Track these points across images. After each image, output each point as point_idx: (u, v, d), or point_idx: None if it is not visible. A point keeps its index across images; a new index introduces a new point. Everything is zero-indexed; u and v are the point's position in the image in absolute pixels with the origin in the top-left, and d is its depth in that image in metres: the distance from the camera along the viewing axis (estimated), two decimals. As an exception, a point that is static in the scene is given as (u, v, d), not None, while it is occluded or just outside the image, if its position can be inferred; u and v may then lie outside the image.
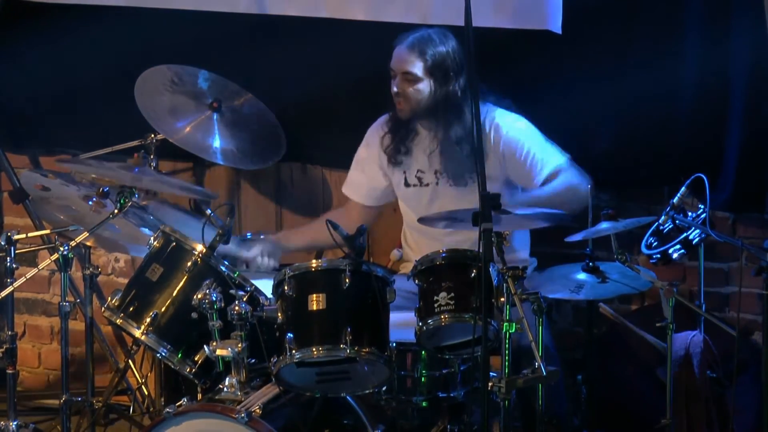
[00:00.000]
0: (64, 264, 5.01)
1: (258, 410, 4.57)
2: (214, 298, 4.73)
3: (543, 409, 4.65)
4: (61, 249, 4.98)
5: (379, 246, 5.98)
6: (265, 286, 4.89)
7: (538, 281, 4.99)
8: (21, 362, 5.82)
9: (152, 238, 4.98)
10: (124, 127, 5.83)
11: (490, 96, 5.34)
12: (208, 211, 5.01)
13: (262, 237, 5.54)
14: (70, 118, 6.31)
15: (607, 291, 5.00)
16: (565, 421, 5.19)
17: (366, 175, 5.57)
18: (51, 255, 5.05)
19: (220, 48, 5.97)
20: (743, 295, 5.23)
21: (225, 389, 4.71)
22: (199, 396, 4.92)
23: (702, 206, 4.86)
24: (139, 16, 6.00)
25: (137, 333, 4.87)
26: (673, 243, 4.85)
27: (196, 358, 4.85)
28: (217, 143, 5.65)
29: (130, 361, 5.80)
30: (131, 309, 4.91)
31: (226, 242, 4.95)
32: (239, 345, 4.69)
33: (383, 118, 5.50)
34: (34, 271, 4.99)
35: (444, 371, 4.86)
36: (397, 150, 5.44)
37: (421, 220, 5.07)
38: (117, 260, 6.50)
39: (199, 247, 4.87)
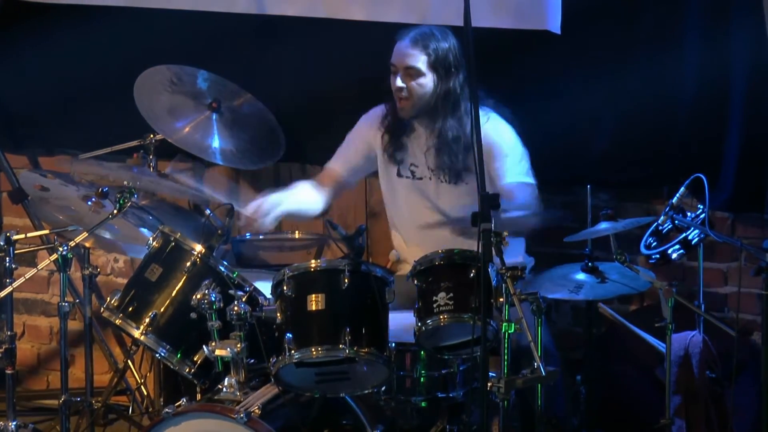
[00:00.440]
0: (63, 264, 5.01)
1: (257, 410, 4.57)
2: (213, 299, 4.73)
3: (542, 409, 4.65)
4: (60, 249, 4.98)
5: (378, 246, 5.98)
6: (265, 286, 4.89)
7: (537, 281, 4.99)
8: (20, 362, 5.81)
9: (151, 239, 4.98)
10: (124, 128, 5.82)
11: (489, 100, 5.33)
12: (208, 211, 5.01)
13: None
14: (70, 119, 6.31)
15: (606, 291, 5.01)
16: (565, 421, 5.19)
17: (356, 151, 5.53)
18: (50, 255, 5.05)
19: (220, 48, 5.97)
20: (742, 295, 5.24)
21: (224, 389, 4.71)
22: (198, 396, 4.92)
23: (701, 206, 4.87)
24: (139, 16, 6.00)
25: (136, 333, 4.87)
26: (672, 243, 4.85)
27: (195, 359, 4.85)
28: (216, 143, 5.65)
29: (129, 361, 5.80)
30: (130, 309, 4.91)
31: (226, 242, 4.95)
32: (238, 345, 4.69)
33: (379, 111, 5.48)
34: (33, 271, 4.99)
35: (443, 371, 4.86)
36: (393, 142, 5.42)
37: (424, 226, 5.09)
38: (116, 260, 6.50)
39: (198, 248, 4.87)
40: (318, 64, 5.90)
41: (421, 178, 5.41)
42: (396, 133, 5.42)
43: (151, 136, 5.71)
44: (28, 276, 4.98)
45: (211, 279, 4.82)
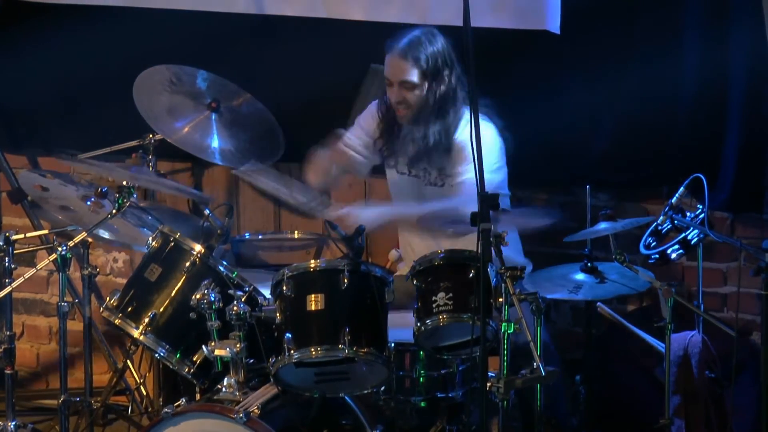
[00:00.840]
0: (62, 264, 5.01)
1: (256, 410, 4.57)
2: (212, 299, 4.73)
3: (542, 409, 4.65)
4: (60, 249, 4.98)
5: (378, 246, 5.99)
6: (264, 286, 4.89)
7: (537, 281, 4.99)
8: (19, 362, 5.81)
9: (151, 238, 4.98)
10: (123, 128, 5.83)
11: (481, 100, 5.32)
12: (207, 211, 5.01)
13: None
14: (69, 119, 6.31)
15: (605, 291, 5.01)
16: (564, 421, 5.19)
17: (368, 134, 5.51)
18: (49, 255, 5.05)
19: (219, 48, 5.97)
20: (742, 295, 5.24)
21: (223, 389, 4.71)
22: (198, 396, 4.92)
23: (700, 206, 4.86)
24: (138, 16, 6.00)
25: (136, 333, 4.87)
26: (671, 243, 4.85)
27: (194, 359, 4.85)
28: (215, 143, 5.65)
29: (128, 361, 5.80)
30: (130, 309, 4.91)
31: (225, 242, 4.95)
32: (238, 345, 4.68)
33: (379, 110, 5.47)
34: (32, 271, 4.99)
35: (442, 371, 4.86)
36: (386, 142, 5.42)
37: (420, 221, 5.08)
38: (115, 260, 6.50)
39: (198, 248, 4.87)
40: (318, 64, 5.90)
41: (417, 176, 5.41)
42: (390, 134, 5.41)
43: (151, 136, 5.71)
44: (27, 276, 4.98)
45: (210, 279, 4.82)
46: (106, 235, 5.39)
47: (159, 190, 5.79)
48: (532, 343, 4.39)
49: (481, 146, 5.01)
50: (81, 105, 6.26)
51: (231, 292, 4.75)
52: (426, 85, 5.25)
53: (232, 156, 5.69)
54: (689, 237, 4.83)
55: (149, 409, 5.66)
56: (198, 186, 6.21)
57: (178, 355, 4.86)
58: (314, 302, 4.69)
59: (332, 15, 5.80)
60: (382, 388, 4.80)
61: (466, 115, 5.28)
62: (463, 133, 5.24)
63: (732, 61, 5.45)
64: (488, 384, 4.36)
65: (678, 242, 4.84)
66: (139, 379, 5.82)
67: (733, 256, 5.65)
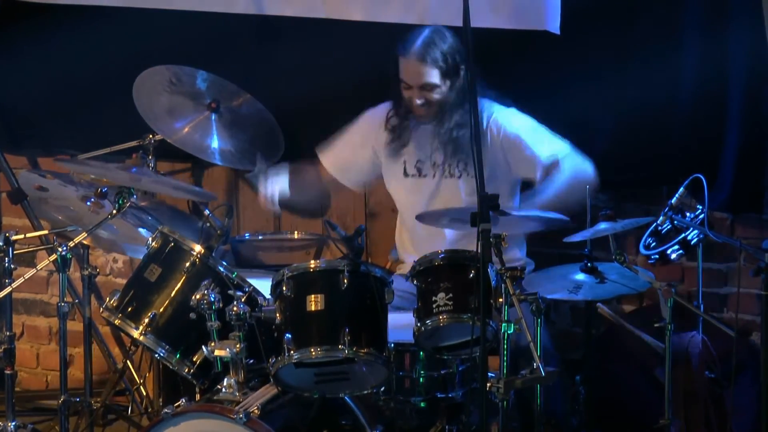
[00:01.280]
0: (62, 264, 5.01)
1: (256, 411, 4.57)
2: (212, 299, 4.73)
3: (541, 410, 4.65)
4: (60, 249, 4.98)
5: (378, 246, 5.99)
6: (264, 286, 4.89)
7: (537, 282, 4.99)
8: (19, 363, 5.81)
9: (150, 239, 4.98)
10: (123, 128, 5.83)
11: (490, 92, 5.33)
12: (207, 212, 5.01)
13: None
14: (69, 119, 6.31)
15: (605, 291, 5.01)
16: (564, 421, 5.19)
17: (356, 155, 5.52)
18: (49, 255, 5.05)
19: (219, 49, 5.96)
20: (741, 295, 5.24)
21: (223, 390, 4.71)
22: (198, 396, 4.92)
23: (700, 207, 4.86)
24: (138, 16, 6.00)
25: (135, 333, 4.87)
26: (671, 243, 4.85)
27: (194, 359, 4.85)
28: (215, 144, 5.65)
29: (128, 361, 5.80)
30: (129, 309, 4.91)
31: (225, 243, 4.95)
32: (237, 345, 4.68)
33: (384, 108, 5.47)
34: (32, 271, 4.99)
35: (442, 372, 4.86)
36: (398, 142, 5.42)
37: (419, 217, 5.07)
38: (115, 261, 6.50)
39: (198, 248, 4.87)
40: (317, 65, 5.90)
41: (426, 176, 5.41)
42: (401, 131, 5.41)
43: (150, 136, 5.71)
44: (27, 276, 4.98)
45: (210, 279, 4.82)
46: (106, 235, 5.38)
47: (163, 192, 5.78)
48: (531, 344, 4.39)
49: (519, 129, 5.22)
50: (81, 105, 6.25)
51: (231, 292, 4.75)
52: (447, 82, 5.26)
53: (232, 156, 5.69)
54: (689, 237, 4.83)
55: (149, 410, 5.66)
56: (198, 186, 6.21)
57: (177, 356, 4.86)
58: (314, 302, 4.69)
59: (332, 15, 5.80)
60: (382, 389, 4.80)
61: (489, 111, 5.30)
62: (496, 124, 5.27)
63: (732, 61, 5.45)
64: (488, 384, 4.36)
65: (678, 242, 4.84)
66: (139, 379, 5.83)
67: (732, 257, 5.65)
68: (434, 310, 4.69)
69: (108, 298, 4.95)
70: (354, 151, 5.54)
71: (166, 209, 5.74)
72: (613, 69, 5.55)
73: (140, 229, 5.29)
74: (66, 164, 5.47)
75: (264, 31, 5.95)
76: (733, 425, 5.07)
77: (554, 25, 5.52)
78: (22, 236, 5.09)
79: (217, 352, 4.70)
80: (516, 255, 5.39)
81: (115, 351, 6.22)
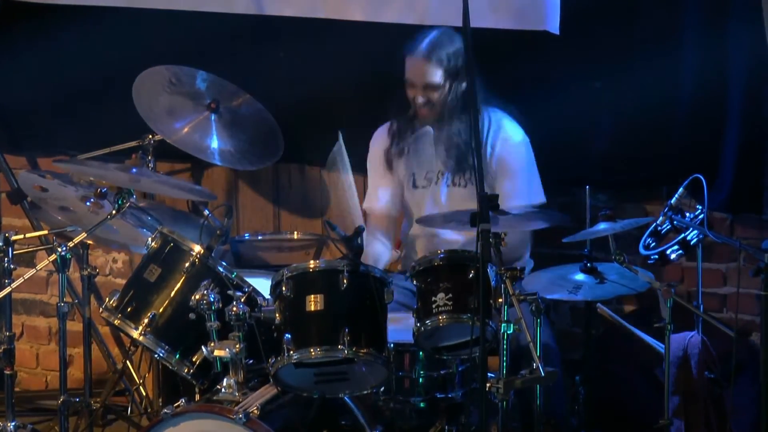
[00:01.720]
0: (62, 265, 5.01)
1: (256, 411, 4.57)
2: (211, 299, 4.73)
3: (541, 410, 4.65)
4: (59, 250, 4.98)
5: (377, 247, 5.98)
6: (263, 286, 4.89)
7: (536, 282, 4.99)
8: (19, 363, 5.81)
9: (150, 239, 4.98)
10: (122, 128, 5.83)
11: (494, 100, 5.33)
12: (206, 212, 5.01)
13: None
14: (68, 119, 6.31)
15: (605, 292, 5.01)
16: (563, 421, 5.19)
17: (387, 184, 5.53)
18: (49, 256, 5.05)
19: (218, 49, 5.97)
20: (741, 295, 5.24)
21: (223, 390, 4.71)
22: (197, 397, 4.91)
23: (700, 207, 4.86)
24: (138, 16, 6.00)
25: (135, 334, 4.87)
26: (671, 244, 4.85)
27: (194, 359, 4.84)
28: (215, 144, 5.65)
29: (128, 361, 5.80)
30: (129, 310, 4.91)
31: (224, 243, 4.95)
32: (237, 346, 4.68)
33: (384, 127, 5.48)
34: (32, 271, 4.99)
35: (442, 372, 4.86)
36: (405, 154, 5.42)
37: (420, 221, 5.07)
38: (115, 261, 6.50)
39: (197, 248, 4.87)
40: (317, 65, 5.90)
41: (436, 184, 5.41)
42: (406, 141, 5.41)
43: (150, 136, 5.71)
44: (26, 276, 4.98)
45: (209, 279, 4.82)
46: (105, 235, 5.38)
47: (162, 193, 5.77)
48: (531, 344, 4.39)
49: (514, 161, 5.10)
50: (80, 105, 6.26)
51: (230, 292, 4.75)
52: (448, 84, 5.26)
53: (232, 157, 5.69)
54: (689, 237, 4.83)
55: (149, 410, 5.66)
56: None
57: (177, 356, 4.86)
58: (314, 303, 4.69)
59: (332, 15, 5.80)
60: (382, 389, 4.80)
61: (497, 124, 5.29)
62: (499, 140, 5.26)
63: (731, 61, 5.45)
64: (488, 384, 4.36)
65: (677, 243, 4.84)
66: (139, 379, 5.82)
67: (732, 257, 5.65)
68: (434, 311, 4.69)
69: (107, 299, 4.95)
70: (384, 180, 5.53)
71: (166, 209, 5.74)
72: (613, 69, 5.55)
73: (140, 229, 5.28)
74: (64, 165, 5.46)
75: (264, 32, 5.95)
76: (733, 425, 5.07)
77: (554, 26, 5.52)
78: (21, 236, 5.10)
79: (216, 353, 4.70)
80: (525, 256, 5.40)
81: (115, 351, 6.22)
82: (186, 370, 4.86)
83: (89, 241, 5.27)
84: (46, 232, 5.47)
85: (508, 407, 4.48)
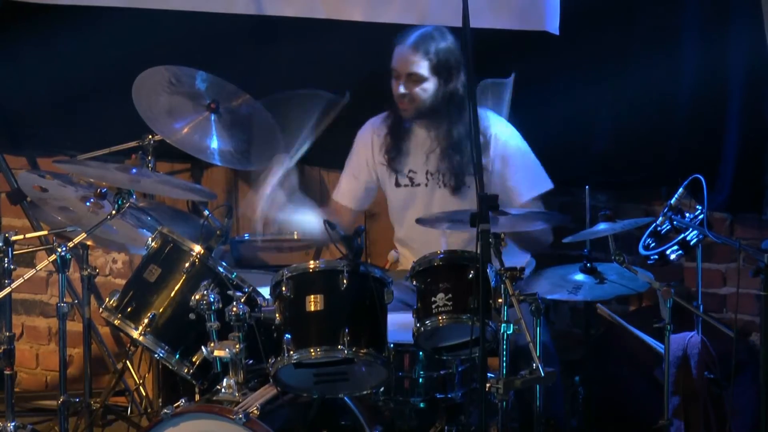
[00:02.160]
0: (61, 265, 5.01)
1: (256, 411, 4.57)
2: (211, 299, 4.73)
3: (541, 410, 4.65)
4: (59, 250, 4.98)
5: (377, 247, 5.98)
6: (263, 286, 4.89)
7: (536, 282, 5.00)
8: (19, 363, 5.81)
9: (150, 239, 4.98)
10: (122, 128, 5.83)
11: (487, 101, 5.33)
12: (206, 212, 5.01)
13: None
14: (68, 119, 6.31)
15: (604, 292, 5.01)
16: (563, 421, 5.19)
17: (359, 181, 5.55)
18: (49, 256, 5.05)
19: (218, 49, 5.97)
20: (741, 296, 5.25)
21: (223, 390, 4.71)
22: (197, 397, 4.91)
23: (700, 207, 4.86)
24: (138, 16, 6.00)
25: (135, 334, 4.87)
26: (670, 244, 4.85)
27: (193, 359, 4.84)
28: (214, 144, 5.64)
29: (127, 362, 5.80)
30: (129, 310, 4.91)
31: (224, 243, 4.95)
32: (237, 346, 4.68)
33: (377, 118, 5.49)
34: (31, 272, 4.99)
35: (442, 372, 4.86)
36: (392, 150, 5.42)
37: (419, 221, 5.07)
38: (115, 261, 6.50)
39: (197, 248, 4.87)
40: (316, 65, 5.90)
41: (419, 185, 5.41)
42: (396, 136, 5.41)
43: (150, 136, 5.71)
44: (26, 277, 4.97)
45: (209, 280, 4.82)
46: (105, 236, 5.38)
47: (162, 193, 5.77)
48: (531, 344, 4.39)
49: (515, 155, 5.11)
50: (80, 106, 6.26)
51: (230, 292, 4.75)
52: (435, 80, 5.25)
53: (232, 157, 5.68)
54: (688, 238, 4.83)
55: (148, 410, 5.67)
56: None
57: (177, 356, 4.86)
58: (313, 303, 4.69)
59: (331, 15, 5.80)
60: (381, 389, 4.80)
61: (488, 122, 5.29)
62: (494, 136, 5.26)
63: (731, 61, 5.46)
64: (488, 385, 4.36)
65: (677, 243, 4.84)
66: (139, 379, 5.83)
67: (732, 257, 5.66)
68: (434, 311, 4.69)
69: (107, 299, 4.95)
70: (359, 176, 5.54)
71: (166, 209, 5.74)
72: (613, 69, 5.56)
73: (140, 230, 5.28)
74: (64, 165, 5.47)
75: (263, 32, 5.95)
76: (733, 425, 5.07)
77: (553, 26, 5.53)
78: (21, 237, 5.10)
79: (216, 353, 4.70)
80: (526, 257, 5.40)
81: (115, 351, 6.22)
82: (186, 371, 4.86)
83: (89, 242, 5.27)
84: (45, 232, 5.47)
85: (507, 407, 4.48)
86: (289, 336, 4.65)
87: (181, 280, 4.87)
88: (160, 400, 5.45)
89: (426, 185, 5.39)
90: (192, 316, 4.78)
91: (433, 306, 4.69)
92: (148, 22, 5.98)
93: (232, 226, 5.40)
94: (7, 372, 5.10)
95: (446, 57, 5.24)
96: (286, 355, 4.64)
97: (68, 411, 5.23)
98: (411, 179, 5.42)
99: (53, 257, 5.00)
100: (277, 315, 4.73)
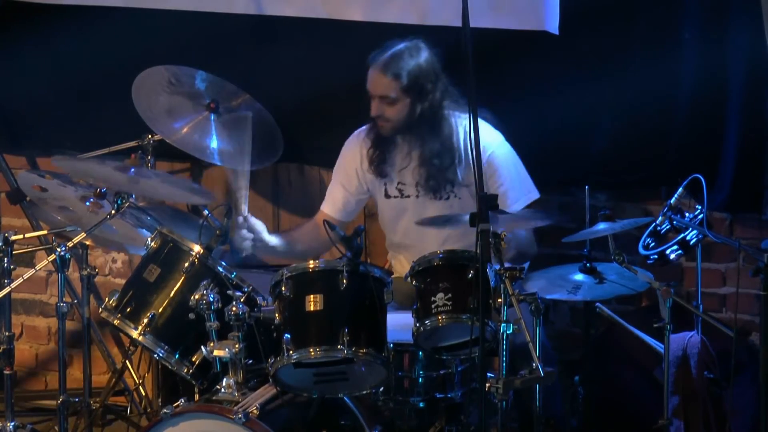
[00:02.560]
0: (61, 265, 5.01)
1: (255, 411, 4.57)
2: (211, 299, 4.73)
3: (540, 410, 4.65)
4: (59, 250, 4.98)
5: (377, 247, 5.98)
6: (263, 286, 4.89)
7: (536, 282, 4.99)
8: (18, 363, 5.81)
9: (149, 239, 4.97)
10: (122, 128, 5.83)
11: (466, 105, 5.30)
12: (206, 212, 5.01)
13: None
14: (68, 119, 6.31)
15: (604, 292, 5.01)
16: (563, 421, 5.19)
17: (348, 191, 5.53)
18: (48, 256, 5.05)
19: (218, 49, 5.97)
20: (740, 295, 5.25)
21: (222, 390, 4.71)
22: (197, 397, 4.91)
23: (699, 207, 4.86)
24: (137, 16, 6.00)
25: (134, 334, 4.87)
26: (670, 244, 4.84)
27: (193, 359, 4.84)
28: (214, 144, 5.64)
29: (127, 361, 5.80)
30: (128, 310, 4.90)
31: (224, 243, 4.95)
32: (236, 346, 4.68)
33: (362, 130, 5.47)
34: (31, 271, 4.99)
35: (441, 372, 4.86)
36: (379, 161, 5.41)
37: (420, 222, 5.07)
38: (114, 261, 6.50)
39: (197, 248, 4.87)
40: (316, 65, 5.90)
41: (409, 196, 5.39)
42: (381, 149, 5.39)
43: (150, 136, 5.71)
44: (26, 276, 4.98)
45: (209, 279, 4.82)
46: (105, 235, 5.38)
47: (164, 198, 5.77)
48: (530, 344, 4.39)
49: (502, 160, 5.09)
50: (80, 106, 6.26)
51: (230, 292, 4.75)
52: (407, 100, 5.23)
53: (231, 156, 5.68)
54: (688, 237, 4.83)
55: (148, 410, 5.66)
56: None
57: (176, 356, 4.86)
58: (313, 303, 4.69)
59: (332, 15, 5.80)
60: (381, 389, 4.80)
61: (481, 127, 5.28)
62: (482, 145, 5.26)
63: (731, 61, 5.46)
64: (487, 384, 4.36)
65: (677, 243, 4.84)
66: (138, 379, 5.82)
67: (731, 257, 5.66)
68: (433, 311, 4.69)
69: (107, 299, 4.95)
70: (349, 187, 5.52)
71: (166, 209, 5.74)
72: (612, 69, 5.55)
73: (139, 230, 5.28)
74: (63, 163, 5.46)
75: (263, 31, 5.95)
76: (732, 425, 5.07)
77: (553, 26, 5.53)
78: (21, 236, 5.10)
79: (216, 353, 4.70)
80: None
81: (114, 351, 6.22)
82: (185, 370, 4.86)
83: (88, 242, 5.27)
84: (45, 232, 5.47)
85: (507, 407, 4.48)
86: (289, 336, 4.65)
87: (181, 280, 4.87)
88: (160, 399, 5.45)
89: (417, 197, 5.38)
90: (191, 315, 4.78)
91: (433, 306, 4.69)
92: (148, 22, 5.98)
93: (232, 225, 5.39)
94: (6, 372, 5.10)
95: (417, 75, 5.21)
96: (286, 354, 4.64)
97: (68, 411, 5.23)
98: (400, 191, 5.41)
99: (53, 257, 5.00)
100: (276, 315, 4.73)
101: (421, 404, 4.87)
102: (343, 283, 4.68)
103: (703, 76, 5.49)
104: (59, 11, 6.09)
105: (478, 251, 4.35)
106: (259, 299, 4.83)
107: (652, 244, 4.86)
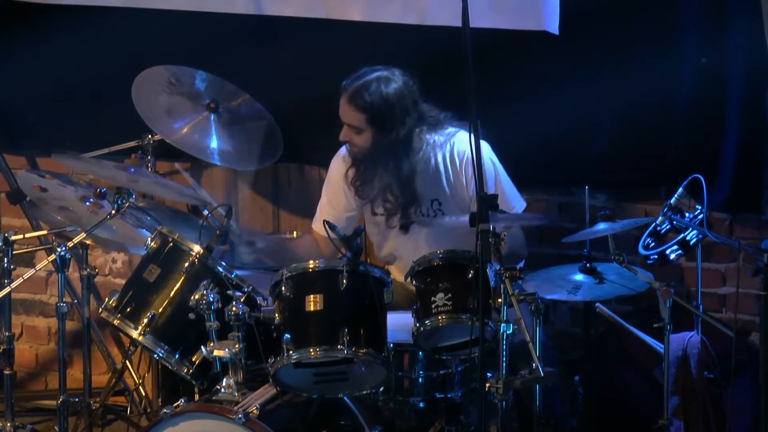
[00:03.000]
0: (61, 265, 5.01)
1: (255, 411, 4.57)
2: (211, 299, 4.73)
3: (540, 410, 4.65)
4: (59, 250, 4.98)
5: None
6: (263, 286, 4.89)
7: (536, 282, 4.99)
8: (18, 363, 5.81)
9: (149, 239, 4.97)
10: (122, 128, 5.83)
11: (447, 113, 5.27)
12: (206, 212, 5.01)
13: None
14: (68, 119, 6.31)
15: (604, 292, 5.01)
16: (563, 421, 5.19)
17: (337, 210, 5.51)
18: (48, 256, 5.05)
19: (218, 49, 5.97)
20: (740, 295, 5.25)
21: (222, 390, 4.71)
22: (197, 397, 4.92)
23: (699, 207, 4.86)
24: (137, 16, 6.00)
25: (134, 334, 4.87)
26: (670, 244, 4.85)
27: (193, 359, 4.84)
28: (214, 144, 5.65)
29: (127, 361, 5.80)
30: (128, 310, 4.90)
31: (224, 243, 4.95)
32: (236, 346, 4.68)
33: (342, 150, 5.44)
34: (31, 271, 4.99)
35: (441, 372, 4.86)
36: (361, 182, 5.39)
37: (419, 222, 5.07)
38: (114, 261, 6.50)
39: (197, 248, 4.87)
40: (316, 65, 5.90)
41: (395, 214, 5.37)
42: (360, 169, 5.37)
43: (149, 136, 5.71)
44: (26, 276, 4.98)
45: (209, 279, 4.82)
46: (105, 235, 5.38)
47: (163, 196, 5.77)
48: (530, 344, 4.39)
49: (488, 171, 5.10)
50: (80, 105, 6.26)
51: (230, 292, 4.75)
52: (372, 131, 5.20)
53: (231, 156, 5.69)
54: (688, 237, 4.83)
55: (148, 410, 5.66)
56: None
57: (176, 356, 4.86)
58: (313, 303, 4.69)
59: (331, 15, 5.80)
60: (381, 389, 4.80)
61: (453, 139, 5.25)
62: (458, 164, 5.24)
63: (730, 61, 5.46)
64: (487, 384, 4.36)
65: (677, 243, 4.84)
66: (138, 379, 5.82)
67: (731, 257, 5.66)
68: (433, 311, 4.69)
69: (107, 299, 4.95)
70: (337, 206, 5.49)
71: (165, 209, 5.74)
72: (612, 69, 5.56)
73: (139, 230, 5.28)
74: (65, 161, 5.46)
75: (263, 31, 5.95)
76: (732, 425, 5.07)
77: (553, 26, 5.53)
78: (21, 236, 5.10)
79: (216, 353, 4.70)
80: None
81: (114, 351, 6.22)
82: (185, 370, 4.86)
83: (88, 242, 5.27)
84: (45, 232, 5.47)
85: (507, 407, 4.48)
86: (289, 336, 4.65)
87: (181, 280, 4.87)
88: (160, 399, 5.45)
89: (402, 216, 5.36)
90: (191, 315, 4.78)
91: (433, 306, 4.69)
92: (148, 22, 5.98)
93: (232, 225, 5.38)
94: (6, 372, 5.10)
95: (381, 108, 5.16)
96: (286, 354, 4.64)
97: (68, 411, 5.23)
98: (387, 209, 5.38)
99: (53, 257, 5.00)
100: (276, 315, 4.73)
101: (421, 404, 4.87)
102: (343, 283, 4.68)
103: (703, 75, 5.49)
104: (59, 11, 6.09)
105: (478, 251, 4.35)
106: (259, 299, 4.83)
107: (652, 244, 4.86)
